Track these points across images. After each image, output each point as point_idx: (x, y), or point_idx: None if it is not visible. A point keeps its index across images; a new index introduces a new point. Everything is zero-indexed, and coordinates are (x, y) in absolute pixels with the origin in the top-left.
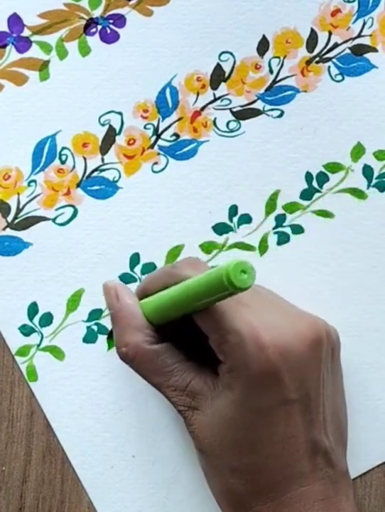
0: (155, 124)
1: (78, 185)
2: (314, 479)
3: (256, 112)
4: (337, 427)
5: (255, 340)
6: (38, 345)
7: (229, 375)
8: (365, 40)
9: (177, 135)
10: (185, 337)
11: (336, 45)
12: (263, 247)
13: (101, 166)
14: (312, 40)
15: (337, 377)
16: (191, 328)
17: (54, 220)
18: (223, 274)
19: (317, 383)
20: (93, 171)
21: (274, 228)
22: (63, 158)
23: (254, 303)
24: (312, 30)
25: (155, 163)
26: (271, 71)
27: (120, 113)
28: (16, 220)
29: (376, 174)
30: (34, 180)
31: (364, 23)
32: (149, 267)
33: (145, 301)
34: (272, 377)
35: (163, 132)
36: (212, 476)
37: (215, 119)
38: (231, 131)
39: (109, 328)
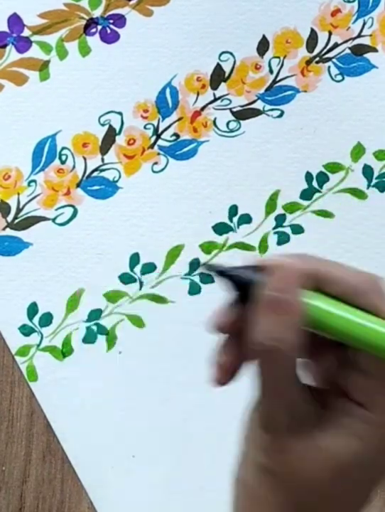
0: (155, 124)
1: (78, 185)
2: None
3: (256, 112)
4: None
5: None
6: (38, 345)
7: (365, 426)
8: (365, 40)
9: (177, 135)
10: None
11: (336, 45)
12: (263, 247)
13: (101, 166)
14: (312, 40)
15: None
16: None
17: (54, 220)
18: None
19: None
20: (93, 171)
21: (274, 228)
22: (63, 158)
23: None
24: (312, 30)
25: (155, 163)
26: (271, 71)
27: (120, 113)
28: (16, 220)
29: (376, 174)
30: (34, 180)
31: (364, 23)
32: (149, 267)
33: (336, 308)
34: None
35: (163, 132)
36: (267, 498)
37: (215, 119)
38: (231, 131)
39: (108, 328)
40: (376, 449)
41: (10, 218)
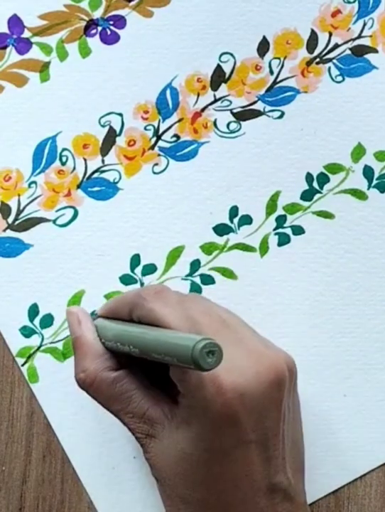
0: (156, 125)
1: (78, 187)
2: None
3: (257, 113)
4: (295, 457)
5: (214, 382)
6: (39, 347)
7: (186, 411)
8: (365, 41)
9: (177, 136)
10: (144, 363)
11: (336, 46)
12: (263, 248)
13: (101, 167)
14: (313, 41)
15: (296, 408)
16: None
17: (54, 221)
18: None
19: (277, 422)
20: (93, 172)
21: (275, 229)
22: (64, 159)
23: (220, 338)
24: (313, 31)
25: (156, 164)
26: (272, 72)
27: (120, 114)
28: (17, 222)
29: (376, 175)
30: (34, 182)
31: (365, 24)
32: (150, 268)
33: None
34: (230, 420)
35: (163, 133)
36: (165, 504)
37: (216, 120)
38: (232, 132)
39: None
40: (202, 430)
41: (10, 220)
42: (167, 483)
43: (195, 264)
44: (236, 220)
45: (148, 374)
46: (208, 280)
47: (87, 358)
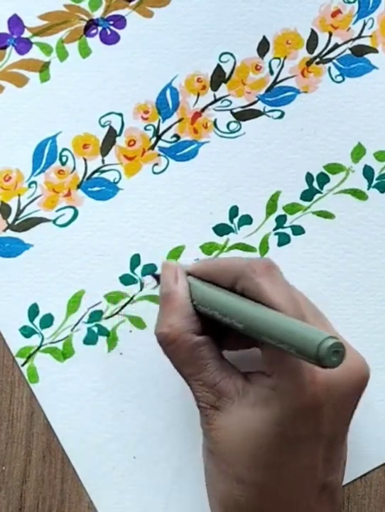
0: (156, 125)
1: (79, 187)
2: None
3: (257, 113)
4: (344, 464)
5: (310, 371)
6: (39, 347)
7: (270, 392)
8: (365, 41)
9: (177, 136)
10: (225, 334)
11: (336, 46)
12: (263, 248)
13: (101, 167)
14: (313, 41)
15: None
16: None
17: (54, 221)
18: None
19: (347, 423)
20: (93, 172)
21: (275, 229)
22: (64, 159)
23: (318, 327)
24: (313, 31)
25: (156, 164)
26: (272, 72)
27: (120, 114)
28: (17, 222)
29: (376, 175)
30: (34, 182)
31: (365, 24)
32: (150, 268)
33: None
34: (314, 410)
35: (163, 133)
36: (216, 480)
37: (216, 120)
38: (232, 132)
39: (109, 329)
40: (283, 415)
41: (10, 220)
42: (226, 458)
43: None
44: (236, 220)
45: (223, 344)
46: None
47: (175, 314)
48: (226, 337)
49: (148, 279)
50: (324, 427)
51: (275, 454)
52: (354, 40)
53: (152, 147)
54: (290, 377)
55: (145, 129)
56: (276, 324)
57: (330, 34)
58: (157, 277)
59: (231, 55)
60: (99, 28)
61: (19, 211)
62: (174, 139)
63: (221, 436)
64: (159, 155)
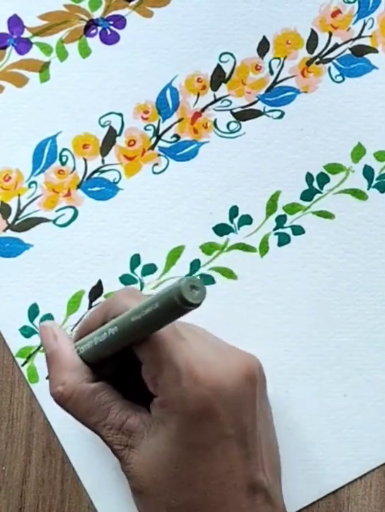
0: (156, 125)
1: (78, 187)
2: None
3: (257, 113)
4: (272, 461)
5: (190, 374)
6: (39, 347)
7: (162, 410)
8: (365, 41)
9: (177, 136)
10: (119, 376)
11: (336, 46)
12: (263, 248)
13: (101, 167)
14: (313, 41)
15: (268, 414)
16: (125, 366)
17: (54, 221)
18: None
19: (253, 418)
20: (93, 172)
21: (275, 229)
22: (63, 159)
23: (191, 338)
24: (313, 31)
25: (156, 164)
26: (272, 72)
27: (120, 114)
28: (17, 222)
29: (376, 175)
30: (34, 182)
31: (365, 24)
32: (150, 268)
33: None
34: (207, 413)
35: (163, 133)
36: None
37: (215, 120)
38: (232, 132)
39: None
40: (184, 427)
41: (10, 220)
42: (150, 492)
43: (195, 264)
44: (236, 220)
45: (124, 388)
46: (208, 280)
47: (64, 371)
48: (121, 380)
49: None
50: (226, 426)
51: (190, 469)
52: (354, 40)
53: (152, 147)
54: (172, 386)
55: (145, 129)
56: (135, 307)
57: (330, 34)
58: None
59: (231, 55)
60: (99, 28)
61: (19, 211)
62: (174, 139)
63: (140, 471)
64: (159, 155)
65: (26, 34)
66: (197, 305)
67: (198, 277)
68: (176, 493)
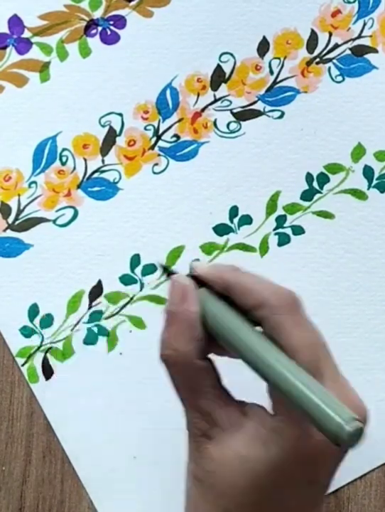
0: (156, 125)
1: (79, 187)
2: None
3: (257, 113)
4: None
5: None
6: (39, 347)
7: (271, 434)
8: (365, 41)
9: (177, 136)
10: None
11: (336, 46)
12: (263, 247)
13: (101, 167)
14: (313, 41)
15: None
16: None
17: (54, 221)
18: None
19: (335, 475)
20: (93, 172)
21: (275, 229)
22: (64, 159)
23: (326, 371)
24: (313, 31)
25: (156, 164)
26: (272, 72)
27: (120, 114)
28: (17, 222)
29: (376, 175)
30: (35, 182)
31: (365, 24)
32: (150, 268)
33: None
34: (314, 459)
35: (163, 133)
36: (199, 508)
37: (216, 120)
38: (232, 132)
39: (109, 329)
40: (283, 459)
41: (11, 220)
42: (215, 489)
43: None
44: (236, 220)
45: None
46: None
47: (182, 337)
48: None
49: (159, 268)
50: (321, 475)
51: (267, 495)
52: (354, 40)
53: (152, 147)
54: (295, 424)
55: (145, 129)
56: (298, 384)
57: (330, 34)
58: (167, 271)
59: (231, 55)
60: (99, 28)
61: (19, 211)
62: (174, 139)
63: (214, 466)
64: (159, 155)
65: (26, 34)
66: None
67: (363, 426)
68: (240, 506)
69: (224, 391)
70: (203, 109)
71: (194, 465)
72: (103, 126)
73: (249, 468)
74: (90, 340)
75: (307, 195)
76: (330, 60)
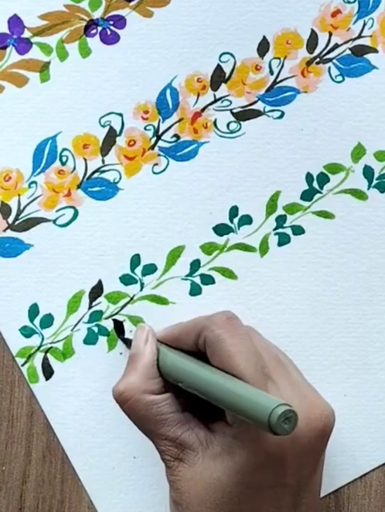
0: (156, 125)
1: (79, 187)
2: None
3: (257, 113)
4: (314, 509)
5: None
6: (39, 347)
7: (233, 441)
8: (365, 41)
9: (177, 136)
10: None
11: (336, 46)
12: (263, 248)
13: (101, 167)
14: (313, 41)
15: (323, 463)
16: None
17: (54, 221)
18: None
19: (313, 471)
20: (93, 172)
21: (275, 229)
22: (64, 159)
23: (278, 378)
24: (313, 31)
25: (156, 164)
26: (272, 72)
27: (120, 114)
28: (17, 222)
29: (376, 175)
30: (35, 182)
31: (364, 24)
32: (150, 268)
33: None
34: (276, 460)
35: (163, 133)
36: None
37: (216, 120)
38: (232, 132)
39: (109, 329)
40: (245, 464)
41: (11, 220)
42: (190, 509)
43: (195, 264)
44: (236, 220)
45: (184, 395)
46: (208, 280)
47: (135, 374)
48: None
49: (119, 341)
50: (288, 476)
51: (238, 504)
52: (353, 40)
53: (152, 147)
54: (250, 428)
55: (145, 129)
56: (232, 394)
57: (330, 34)
58: (126, 341)
59: (231, 55)
60: (99, 28)
61: (19, 211)
62: (174, 139)
63: (186, 487)
64: (159, 155)
65: (26, 34)
66: (285, 435)
67: (291, 407)
68: None
69: (188, 415)
70: (203, 109)
71: (172, 490)
72: (103, 126)
73: (216, 480)
74: (90, 340)
75: (307, 195)
76: (330, 60)
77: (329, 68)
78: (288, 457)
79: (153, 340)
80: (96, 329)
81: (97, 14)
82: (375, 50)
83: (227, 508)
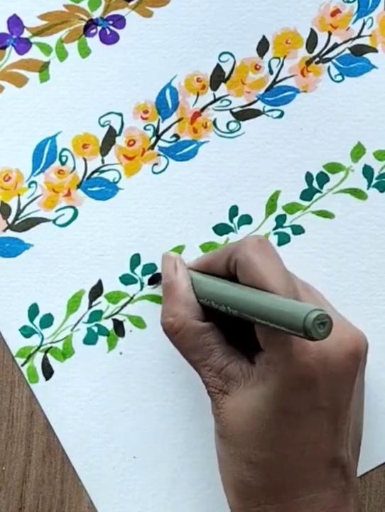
0: (155, 125)
1: (78, 187)
2: (327, 487)
3: (256, 113)
4: (355, 441)
5: (300, 341)
6: (39, 347)
7: (266, 367)
8: (365, 41)
9: (177, 136)
10: (229, 320)
11: (336, 46)
12: None
13: (101, 167)
14: (312, 40)
15: (362, 391)
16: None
17: (54, 221)
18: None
19: (349, 395)
20: (93, 172)
21: (274, 229)
22: (63, 159)
23: (308, 301)
24: (312, 31)
25: (156, 164)
26: (271, 71)
27: (120, 114)
28: (17, 222)
29: (376, 174)
30: (34, 182)
31: (364, 24)
32: (150, 268)
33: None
34: (308, 381)
35: (163, 133)
36: (226, 463)
37: (215, 119)
38: (232, 131)
39: (109, 328)
40: (278, 388)
41: (10, 220)
42: (234, 441)
43: None
44: (236, 220)
45: (228, 330)
46: None
47: (178, 303)
48: (229, 324)
49: (148, 283)
50: (322, 399)
51: (277, 431)
52: (353, 39)
53: (152, 147)
54: (281, 348)
55: (144, 128)
56: (265, 304)
57: (330, 33)
58: (154, 278)
59: (231, 54)
60: (99, 28)
61: (19, 211)
62: (174, 138)
63: (229, 418)
64: (159, 155)
65: (26, 34)
66: (320, 340)
67: (326, 312)
68: (258, 449)
69: (232, 347)
70: (203, 109)
71: (216, 423)
72: (103, 126)
73: (255, 409)
74: (90, 340)
75: (307, 194)
76: (330, 59)
77: (329, 68)
78: (320, 378)
79: (182, 266)
80: (96, 329)
81: (97, 14)
82: (374, 50)
83: (269, 436)
